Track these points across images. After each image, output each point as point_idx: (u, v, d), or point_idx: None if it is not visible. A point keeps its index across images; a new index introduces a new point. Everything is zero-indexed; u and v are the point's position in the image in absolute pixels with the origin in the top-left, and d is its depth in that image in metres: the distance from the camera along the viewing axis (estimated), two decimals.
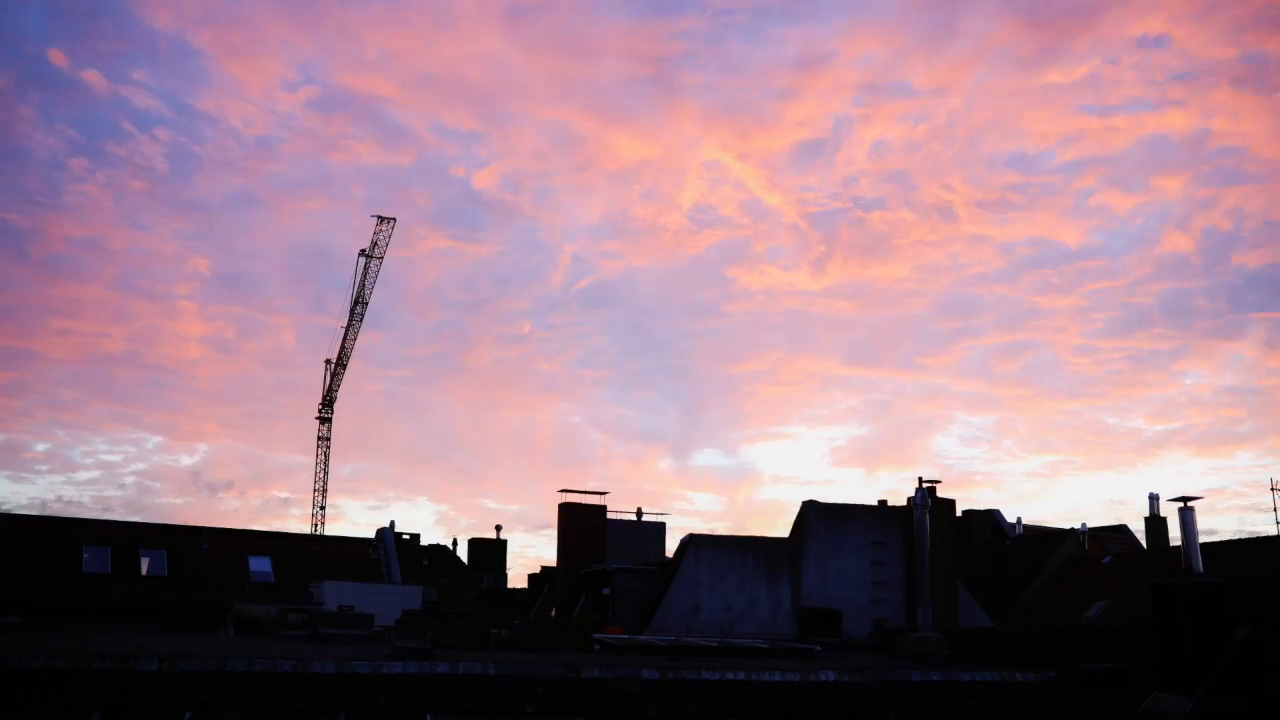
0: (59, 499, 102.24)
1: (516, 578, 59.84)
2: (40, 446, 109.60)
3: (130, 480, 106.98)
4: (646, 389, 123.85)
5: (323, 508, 67.80)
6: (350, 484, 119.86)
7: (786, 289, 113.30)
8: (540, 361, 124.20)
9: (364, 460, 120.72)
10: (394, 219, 66.65)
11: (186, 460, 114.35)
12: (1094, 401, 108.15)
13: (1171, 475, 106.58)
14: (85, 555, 40.90)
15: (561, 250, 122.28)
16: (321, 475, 68.23)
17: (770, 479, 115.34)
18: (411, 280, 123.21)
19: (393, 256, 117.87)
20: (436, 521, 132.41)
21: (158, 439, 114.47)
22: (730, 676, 15.53)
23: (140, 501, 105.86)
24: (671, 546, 34.81)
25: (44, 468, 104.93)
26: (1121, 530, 44.31)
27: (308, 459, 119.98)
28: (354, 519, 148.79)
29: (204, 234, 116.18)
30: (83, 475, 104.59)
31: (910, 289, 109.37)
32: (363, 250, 66.53)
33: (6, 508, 57.66)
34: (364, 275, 66.55)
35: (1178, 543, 17.45)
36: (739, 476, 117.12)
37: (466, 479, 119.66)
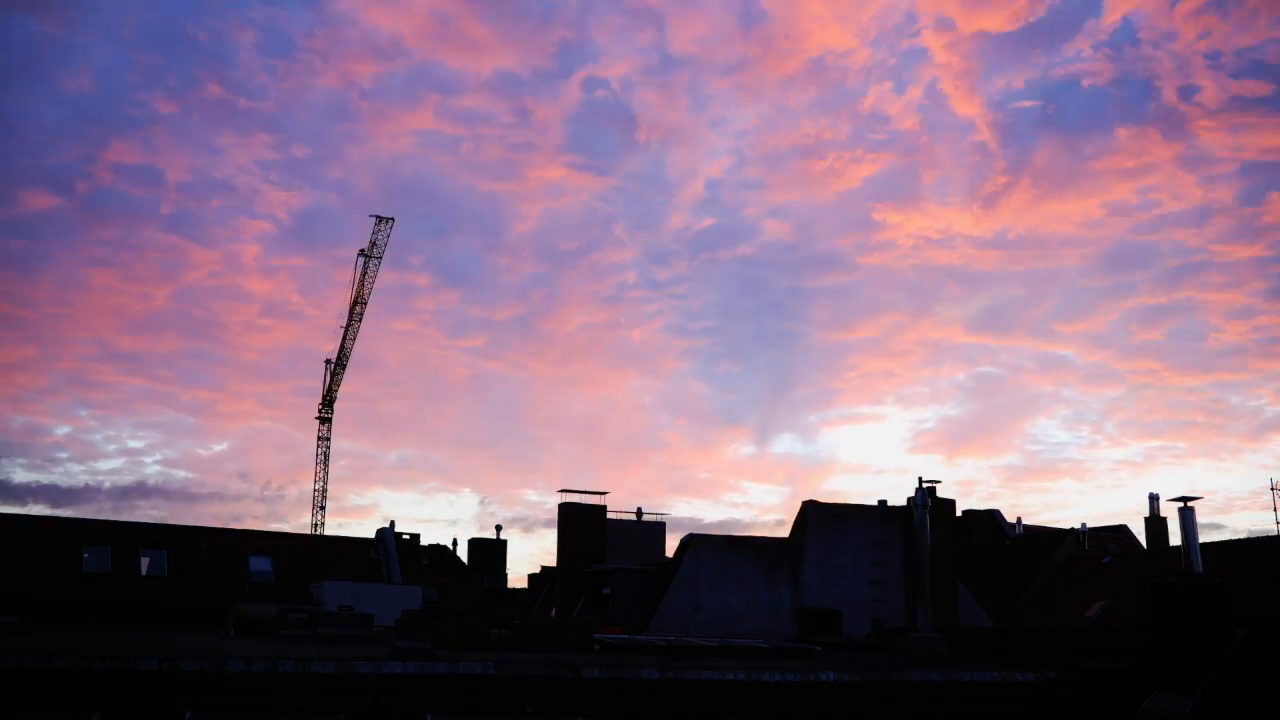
0: (69, 489, 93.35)
1: (517, 578, 59.74)
2: (61, 430, 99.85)
3: (154, 469, 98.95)
4: (736, 361, 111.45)
5: (322, 508, 67.83)
6: (394, 472, 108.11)
7: (938, 234, 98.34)
8: (628, 328, 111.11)
9: (411, 445, 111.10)
10: (393, 218, 66.55)
11: (217, 447, 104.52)
12: (1227, 376, 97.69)
13: (1274, 465, 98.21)
14: (85, 555, 40.90)
15: (695, 177, 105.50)
16: (322, 475, 68.28)
17: (841, 469, 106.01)
18: (511, 225, 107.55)
19: (499, 189, 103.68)
20: (476, 513, 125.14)
21: (190, 420, 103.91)
22: (730, 677, 15.53)
23: (162, 494, 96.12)
24: (672, 546, 34.86)
25: (63, 454, 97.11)
26: (1121, 530, 44.34)
27: (351, 444, 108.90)
28: (390, 510, 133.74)
29: (282, 163, 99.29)
30: (104, 464, 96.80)
31: (1078, 235, 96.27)
32: (361, 250, 66.47)
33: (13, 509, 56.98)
34: (363, 275, 66.51)
35: (1178, 543, 17.44)
36: (811, 465, 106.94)
37: (516, 467, 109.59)
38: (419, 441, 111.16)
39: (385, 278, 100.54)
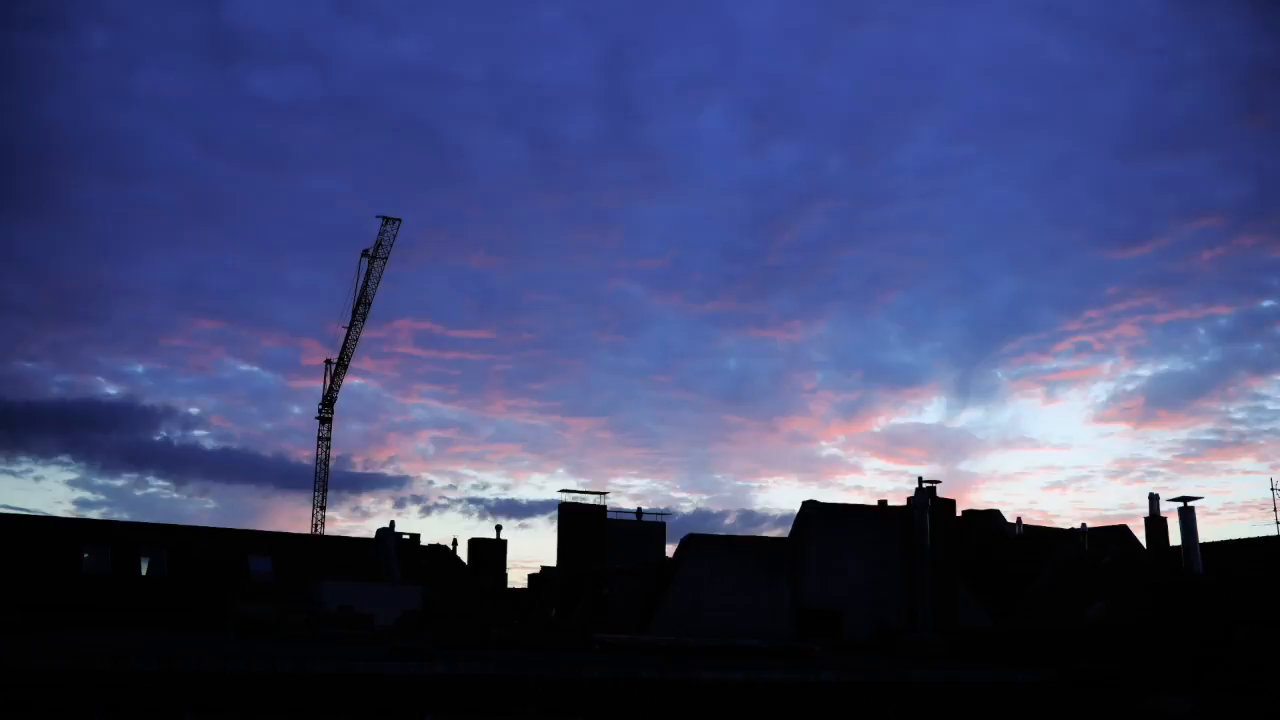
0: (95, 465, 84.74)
1: (517, 578, 59.67)
2: (111, 390, 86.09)
3: (210, 446, 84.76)
4: (963, 292, 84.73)
5: (322, 508, 67.77)
6: (482, 446, 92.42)
7: None
8: (860, 240, 79.61)
9: (514, 413, 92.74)
10: (400, 219, 66.23)
11: (296, 410, 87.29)
12: None
13: None
14: (85, 555, 40.92)
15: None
16: (322, 475, 68.22)
17: (1002, 445, 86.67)
18: (821, 64, 77.36)
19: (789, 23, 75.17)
20: (553, 495, 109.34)
21: (269, 376, 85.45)
22: (730, 677, 15.52)
23: (214, 474, 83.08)
24: (672, 546, 34.87)
25: (107, 421, 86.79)
26: (1121, 530, 44.32)
27: (449, 411, 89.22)
28: (474, 490, 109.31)
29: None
30: (152, 436, 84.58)
31: None
32: (365, 251, 66.22)
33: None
34: (366, 276, 66.27)
35: (1178, 543, 17.45)
36: (971, 437, 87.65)
37: (621, 441, 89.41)
38: (523, 408, 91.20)
39: (593, 167, 76.14)
